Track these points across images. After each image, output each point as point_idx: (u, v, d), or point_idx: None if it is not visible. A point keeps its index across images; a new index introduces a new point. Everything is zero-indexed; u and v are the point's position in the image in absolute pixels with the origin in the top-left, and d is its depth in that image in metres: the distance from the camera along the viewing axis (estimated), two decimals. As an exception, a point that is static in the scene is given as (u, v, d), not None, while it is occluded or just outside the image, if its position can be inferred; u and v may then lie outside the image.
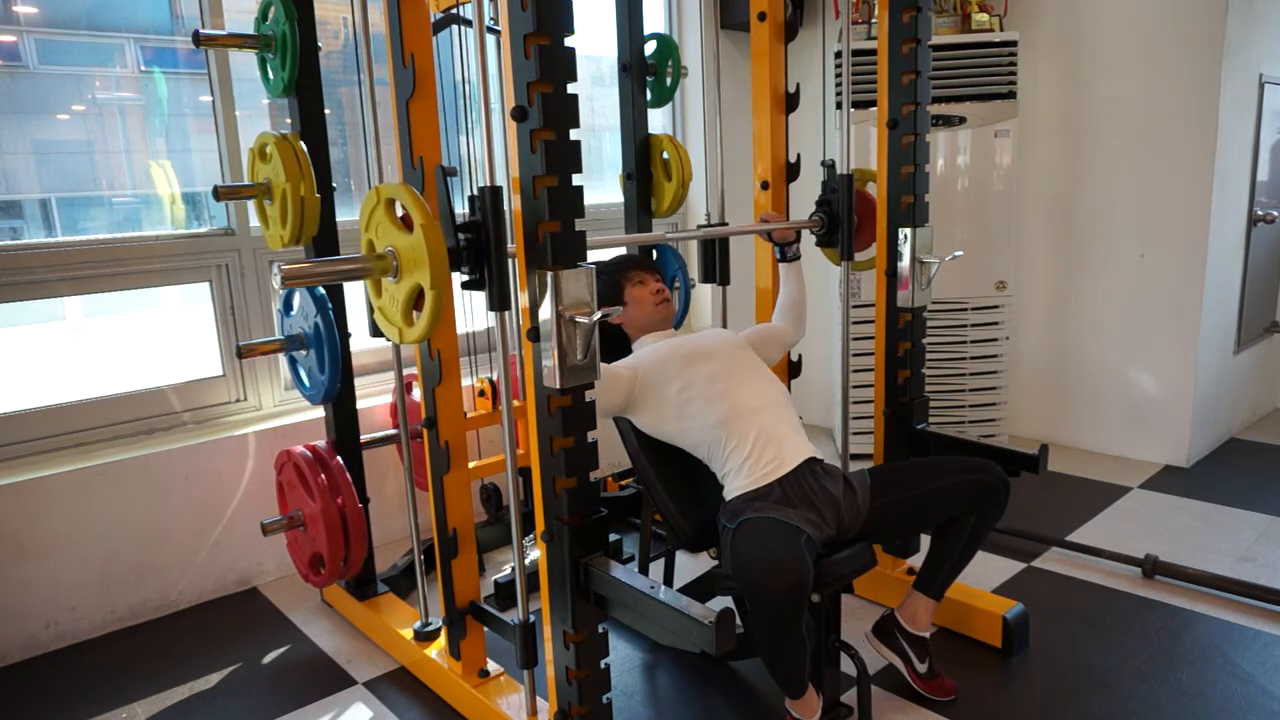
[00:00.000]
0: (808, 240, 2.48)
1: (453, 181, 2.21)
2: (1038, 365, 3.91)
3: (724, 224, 2.72)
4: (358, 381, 2.60)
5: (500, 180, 1.64)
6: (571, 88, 1.50)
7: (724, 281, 2.81)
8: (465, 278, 1.69)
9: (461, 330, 2.12)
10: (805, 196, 2.64)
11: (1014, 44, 3.46)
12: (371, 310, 1.72)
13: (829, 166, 2.34)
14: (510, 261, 1.66)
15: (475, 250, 1.65)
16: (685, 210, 3.98)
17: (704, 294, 4.06)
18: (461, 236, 1.64)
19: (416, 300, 1.58)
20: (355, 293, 2.56)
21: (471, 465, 2.22)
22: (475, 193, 1.67)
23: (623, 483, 3.35)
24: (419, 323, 1.58)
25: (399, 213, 1.58)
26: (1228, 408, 3.87)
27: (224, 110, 2.79)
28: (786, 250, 2.39)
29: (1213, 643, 2.29)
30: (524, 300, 1.60)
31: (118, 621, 2.61)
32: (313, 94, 2.36)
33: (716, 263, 2.78)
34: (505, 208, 1.65)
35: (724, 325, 2.95)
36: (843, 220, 2.33)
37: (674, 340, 2.16)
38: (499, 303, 1.67)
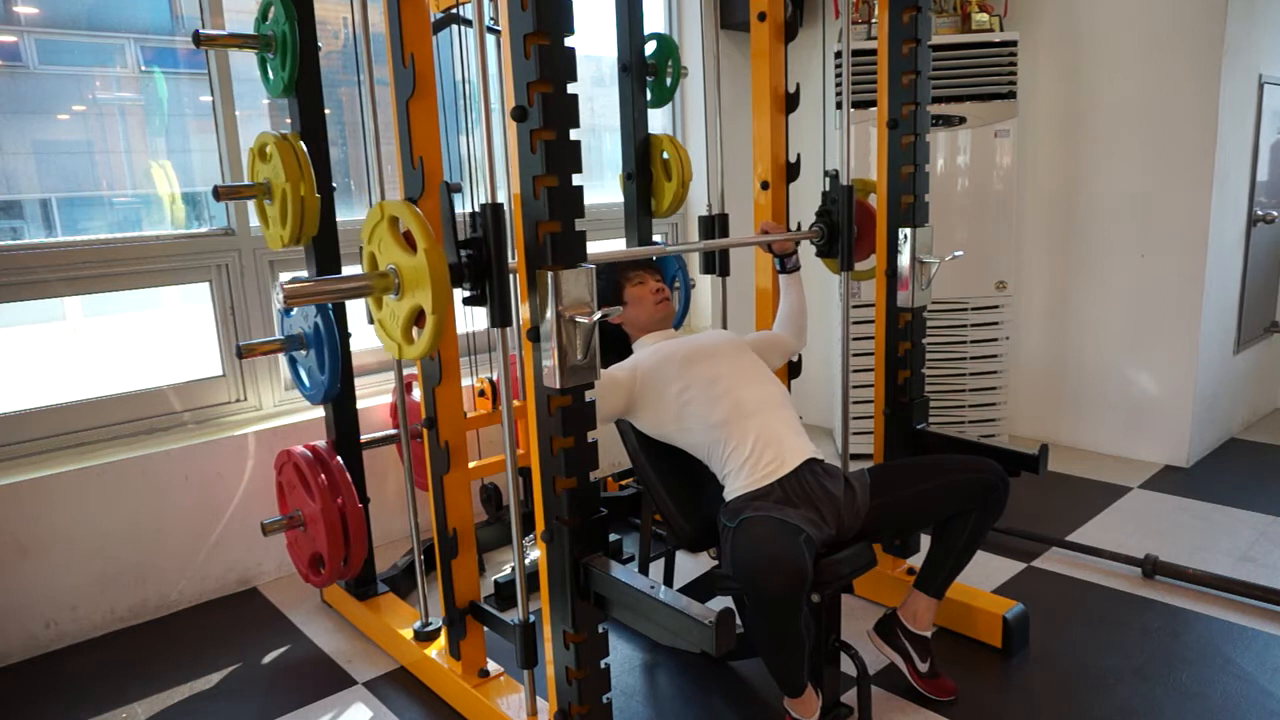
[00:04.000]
0: (807, 247, 2.48)
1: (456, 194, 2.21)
2: (1038, 365, 3.91)
3: (724, 214, 2.74)
4: (358, 381, 2.60)
5: (500, 187, 1.64)
6: (571, 88, 1.49)
7: (724, 273, 2.81)
8: (467, 293, 1.70)
9: (461, 330, 2.12)
10: (805, 197, 2.63)
11: (1014, 44, 3.46)
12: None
13: (831, 176, 2.33)
14: (511, 277, 1.66)
15: (477, 266, 1.66)
16: (685, 210, 3.98)
17: (704, 294, 4.06)
18: (463, 253, 1.65)
19: (417, 318, 1.59)
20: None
21: (471, 465, 2.22)
22: (477, 209, 1.68)
23: (623, 483, 3.35)
24: (419, 342, 1.59)
25: (402, 229, 1.59)
26: (1228, 408, 3.87)
27: (224, 110, 2.79)
28: (786, 261, 2.37)
29: (1213, 643, 2.29)
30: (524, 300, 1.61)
31: (118, 621, 2.61)
32: (313, 94, 2.36)
33: (716, 255, 2.78)
34: (506, 224, 1.65)
35: (724, 325, 2.95)
36: (843, 231, 2.33)
37: (674, 341, 2.16)
38: (500, 319, 1.68)
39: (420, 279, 1.53)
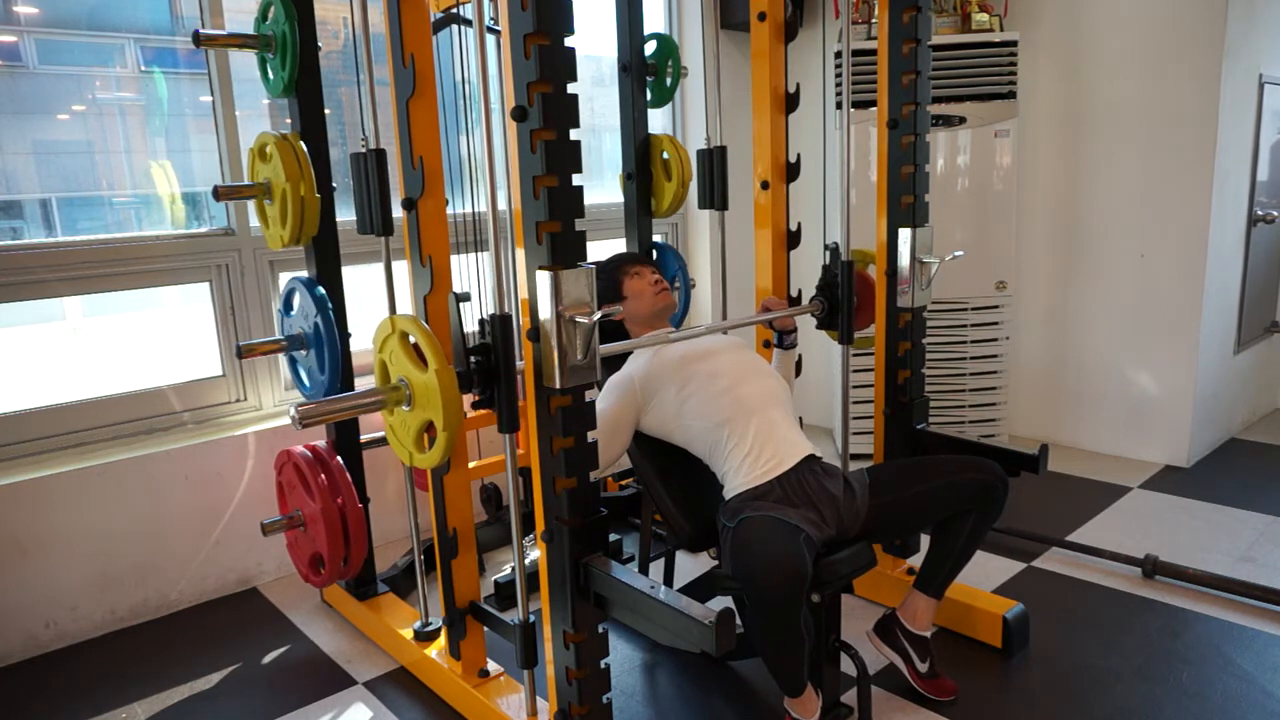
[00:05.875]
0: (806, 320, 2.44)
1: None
2: (1038, 365, 3.91)
3: (722, 147, 2.77)
4: (358, 381, 2.60)
5: (500, 188, 1.65)
6: (571, 88, 1.49)
7: (722, 206, 2.81)
8: (475, 398, 1.72)
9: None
10: (804, 198, 2.62)
11: (1014, 44, 3.46)
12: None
13: (831, 250, 2.34)
14: (519, 379, 1.69)
15: (485, 373, 1.70)
16: (685, 210, 3.98)
17: (704, 294, 4.06)
18: (472, 359, 1.69)
19: (428, 427, 1.62)
20: (355, 292, 2.56)
21: (471, 465, 2.22)
22: (486, 316, 1.71)
23: (623, 483, 3.35)
24: (431, 452, 1.61)
25: (412, 340, 1.61)
26: (1228, 408, 3.87)
27: (224, 110, 2.79)
28: (785, 338, 2.34)
29: (1213, 643, 2.29)
30: (524, 298, 1.61)
31: (118, 621, 2.61)
32: (313, 94, 2.36)
33: (714, 188, 2.78)
34: (514, 332, 1.68)
35: (724, 316, 2.94)
36: (843, 306, 2.33)
37: (674, 343, 2.15)
38: (508, 425, 1.70)
39: (431, 396, 1.56)
